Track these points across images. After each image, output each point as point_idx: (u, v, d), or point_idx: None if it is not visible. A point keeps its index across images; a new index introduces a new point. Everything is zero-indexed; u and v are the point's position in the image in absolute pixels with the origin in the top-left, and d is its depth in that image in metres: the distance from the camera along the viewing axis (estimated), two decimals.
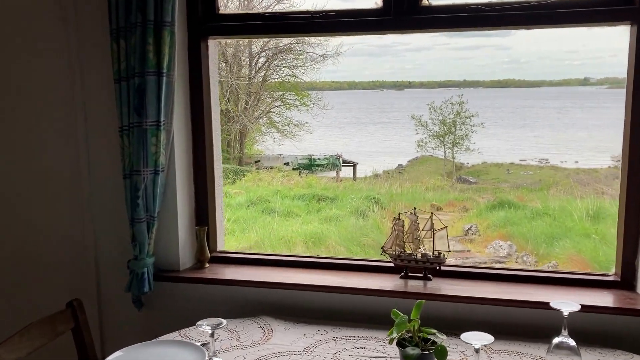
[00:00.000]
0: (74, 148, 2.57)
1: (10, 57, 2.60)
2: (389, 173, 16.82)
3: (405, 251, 2.27)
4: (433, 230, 2.23)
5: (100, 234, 2.62)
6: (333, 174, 16.14)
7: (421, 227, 2.26)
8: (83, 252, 2.63)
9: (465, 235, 9.10)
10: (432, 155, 17.93)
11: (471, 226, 9.17)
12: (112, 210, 2.55)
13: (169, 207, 2.47)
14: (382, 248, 2.30)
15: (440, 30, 2.38)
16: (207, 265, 2.55)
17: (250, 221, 9.16)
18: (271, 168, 15.66)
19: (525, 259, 7.97)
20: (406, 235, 2.27)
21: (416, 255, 2.26)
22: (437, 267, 2.25)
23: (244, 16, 2.90)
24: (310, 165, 16.33)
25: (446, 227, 2.25)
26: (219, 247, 2.67)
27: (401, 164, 18.34)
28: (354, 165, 17.21)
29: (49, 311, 2.04)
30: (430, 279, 2.26)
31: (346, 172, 16.61)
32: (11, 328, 1.87)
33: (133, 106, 2.31)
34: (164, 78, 2.29)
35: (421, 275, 2.27)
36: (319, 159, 16.60)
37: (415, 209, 2.29)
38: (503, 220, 9.24)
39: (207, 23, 2.49)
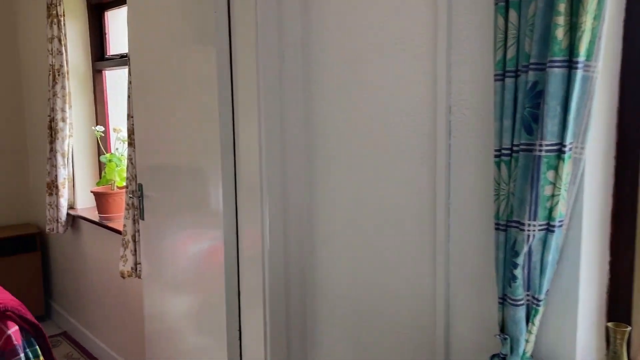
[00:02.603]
0: (430, 175, 1.81)
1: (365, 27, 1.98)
2: None
3: None
4: None
5: (455, 310, 1.79)
6: None
7: None
8: (429, 335, 1.84)
9: None
10: None
11: None
12: (473, 276, 1.70)
13: (565, 286, 1.50)
14: None
15: None
16: None
17: None
18: None
19: None
20: None
21: None
22: None
23: None
24: None
25: None
26: None
27: None
28: None
29: None
30: None
31: None
32: None
33: (521, 118, 1.42)
34: (579, 72, 1.33)
35: None
36: None
37: None
38: None
39: None
